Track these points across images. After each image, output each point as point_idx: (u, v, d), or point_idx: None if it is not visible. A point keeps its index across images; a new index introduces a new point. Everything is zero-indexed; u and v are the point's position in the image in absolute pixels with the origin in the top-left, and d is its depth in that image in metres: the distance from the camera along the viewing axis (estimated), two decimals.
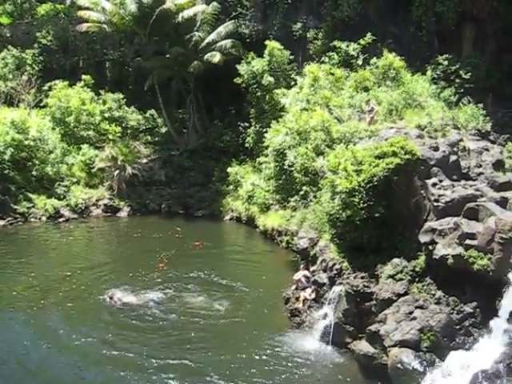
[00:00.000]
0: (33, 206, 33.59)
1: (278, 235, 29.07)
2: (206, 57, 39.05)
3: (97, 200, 36.53)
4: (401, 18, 32.77)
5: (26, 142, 34.90)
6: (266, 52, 35.15)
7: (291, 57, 36.06)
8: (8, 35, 47.11)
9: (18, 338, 18.11)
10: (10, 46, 44.20)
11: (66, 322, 19.27)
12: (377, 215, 17.41)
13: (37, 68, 44.27)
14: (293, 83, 33.04)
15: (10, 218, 32.10)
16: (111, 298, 20.93)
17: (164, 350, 17.22)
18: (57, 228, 32.52)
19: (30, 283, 22.78)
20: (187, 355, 16.85)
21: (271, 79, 34.41)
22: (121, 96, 41.83)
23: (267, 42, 35.27)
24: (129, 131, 41.62)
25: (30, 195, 34.07)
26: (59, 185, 35.79)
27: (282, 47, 35.22)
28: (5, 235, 29.91)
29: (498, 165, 19.93)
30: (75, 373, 16.22)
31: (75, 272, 24.18)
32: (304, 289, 20.20)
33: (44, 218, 33.42)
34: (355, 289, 16.93)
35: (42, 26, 46.46)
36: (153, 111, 43.02)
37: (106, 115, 40.68)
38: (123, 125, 41.22)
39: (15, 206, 32.82)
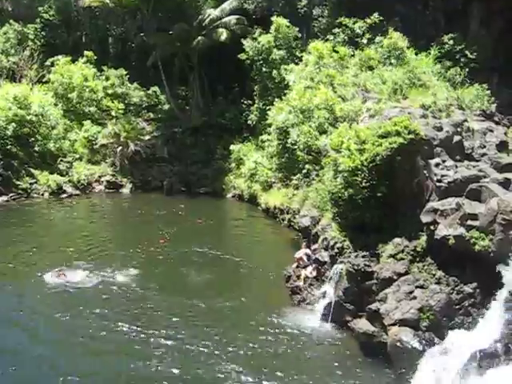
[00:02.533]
0: (35, 182, 33.70)
1: (280, 213, 29.13)
2: (212, 34, 38.73)
3: (99, 176, 36.66)
4: None
5: (28, 118, 34.89)
6: (273, 28, 34.82)
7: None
8: (10, 9, 46.75)
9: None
10: (11, 21, 43.88)
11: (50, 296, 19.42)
12: (379, 195, 17.40)
13: (39, 43, 44.05)
14: (297, 61, 32.80)
15: (12, 194, 32.22)
16: (58, 276, 20.63)
17: (153, 328, 17.17)
18: (59, 204, 32.64)
19: (29, 258, 22.89)
20: (183, 332, 16.90)
21: (281, 53, 34.15)
22: (124, 72, 41.65)
23: (274, 19, 34.92)
24: (131, 108, 41.56)
25: (33, 171, 34.15)
26: (62, 161, 35.90)
27: (289, 24, 34.90)
28: (8, 210, 30.04)
29: (502, 146, 19.77)
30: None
31: (78, 248, 24.29)
32: (305, 267, 20.29)
33: (46, 194, 33.54)
34: (356, 268, 16.98)
35: (44, 1, 46.03)
36: (156, 88, 42.86)
37: (109, 91, 40.58)
38: (126, 101, 41.13)
39: (18, 182, 32.94)
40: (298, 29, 35.42)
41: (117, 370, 14.98)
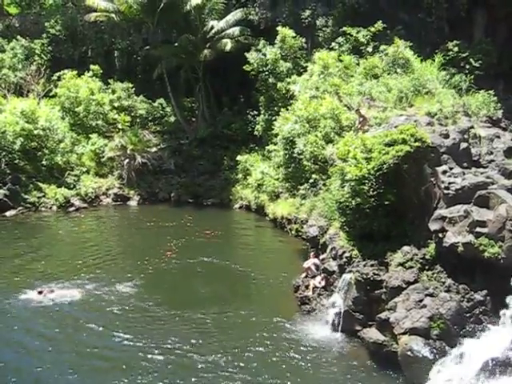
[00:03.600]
0: (43, 196, 33.80)
1: (288, 223, 29.07)
2: (217, 45, 38.97)
3: (107, 189, 36.77)
4: (411, 4, 32.44)
5: (36, 132, 35.09)
6: (278, 38, 35.00)
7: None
8: (17, 25, 47.16)
9: None
10: (18, 36, 44.28)
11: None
12: (386, 203, 17.35)
13: (45, 58, 44.36)
14: (302, 70, 32.92)
15: (20, 208, 32.32)
16: (40, 292, 20.04)
17: (156, 338, 17.05)
18: (67, 217, 32.72)
19: (33, 270, 22.85)
20: (189, 344, 16.77)
21: (288, 65, 34.30)
22: (130, 85, 41.93)
23: (279, 29, 35.08)
24: (138, 120, 41.74)
25: (41, 185, 34.28)
26: (69, 174, 36.03)
27: (294, 34, 35.06)
28: (16, 224, 30.12)
29: (510, 152, 19.72)
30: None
31: (84, 260, 24.30)
32: (314, 277, 20.23)
33: (54, 208, 33.64)
34: (365, 277, 16.91)
35: (50, 16, 46.53)
36: (162, 100, 43.06)
37: (115, 104, 40.85)
38: (132, 114, 41.35)
39: (26, 196, 33.04)
40: (304, 40, 35.57)
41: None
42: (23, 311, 19.00)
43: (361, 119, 22.26)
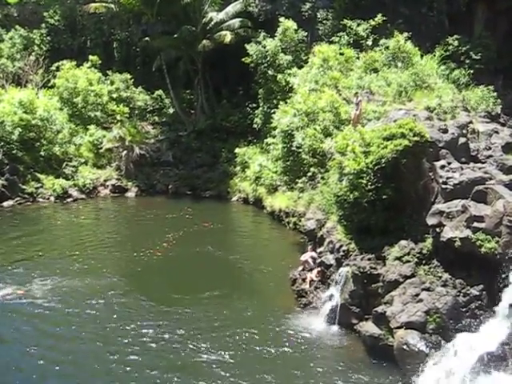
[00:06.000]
0: (41, 186, 33.82)
1: (286, 216, 29.10)
2: (215, 36, 38.87)
3: (104, 180, 36.78)
4: None
5: (34, 122, 35.07)
6: (279, 30, 34.85)
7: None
8: (15, 15, 47.03)
9: None
10: (17, 26, 44.15)
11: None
12: (384, 197, 17.33)
13: (44, 48, 44.33)
14: (302, 63, 32.84)
15: (18, 198, 32.34)
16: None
17: (153, 330, 17.00)
18: (65, 208, 32.73)
19: (33, 261, 22.84)
20: (188, 336, 16.77)
21: (289, 57, 34.20)
22: (128, 76, 41.88)
23: (282, 20, 34.91)
24: (136, 112, 41.74)
25: (38, 175, 34.28)
26: (67, 165, 36.02)
27: (296, 27, 34.92)
28: (14, 215, 30.13)
29: (508, 147, 19.73)
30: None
31: (82, 251, 24.31)
32: (311, 270, 20.25)
33: (52, 198, 33.65)
34: (362, 270, 16.93)
35: (49, 6, 46.40)
36: (160, 92, 43.03)
37: (114, 95, 40.80)
38: (131, 105, 41.32)
39: (23, 186, 33.07)
40: (306, 33, 35.43)
41: None
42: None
43: (355, 99, 22.22)
